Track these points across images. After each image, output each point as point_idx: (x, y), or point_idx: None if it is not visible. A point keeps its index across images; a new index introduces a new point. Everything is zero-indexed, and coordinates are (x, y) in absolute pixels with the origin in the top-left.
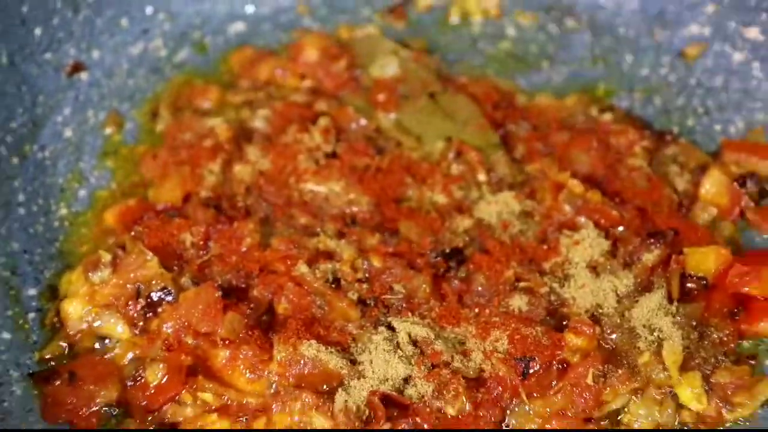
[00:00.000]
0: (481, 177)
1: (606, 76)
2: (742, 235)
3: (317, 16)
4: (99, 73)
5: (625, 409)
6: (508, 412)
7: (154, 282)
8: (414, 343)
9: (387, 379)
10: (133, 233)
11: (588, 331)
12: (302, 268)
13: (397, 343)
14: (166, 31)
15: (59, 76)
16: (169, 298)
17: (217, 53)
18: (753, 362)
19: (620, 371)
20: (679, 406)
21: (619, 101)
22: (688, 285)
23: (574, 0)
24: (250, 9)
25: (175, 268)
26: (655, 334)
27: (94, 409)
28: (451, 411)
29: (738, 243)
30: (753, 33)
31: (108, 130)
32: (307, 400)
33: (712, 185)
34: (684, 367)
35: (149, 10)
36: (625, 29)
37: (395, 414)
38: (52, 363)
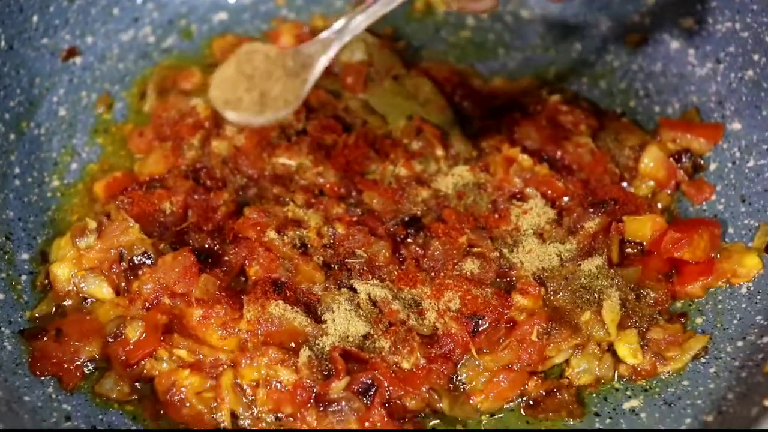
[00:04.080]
0: (439, 152)
1: (556, 61)
2: (677, 206)
3: (293, 7)
4: (92, 58)
5: (567, 363)
6: (459, 366)
7: (135, 247)
8: (373, 303)
9: (348, 336)
10: (117, 203)
11: (534, 292)
12: (272, 234)
13: (358, 303)
14: (154, 19)
15: (55, 60)
16: (149, 262)
17: (201, 40)
18: (684, 320)
19: (563, 329)
20: (617, 361)
21: (568, 85)
22: (627, 250)
23: None
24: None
25: (156, 234)
26: (596, 294)
27: (78, 363)
28: (406, 365)
29: (673, 212)
30: (688, 23)
31: (99, 110)
32: (273, 355)
33: (651, 160)
34: (622, 325)
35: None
36: (574, 20)
37: (355, 368)
38: (42, 321)
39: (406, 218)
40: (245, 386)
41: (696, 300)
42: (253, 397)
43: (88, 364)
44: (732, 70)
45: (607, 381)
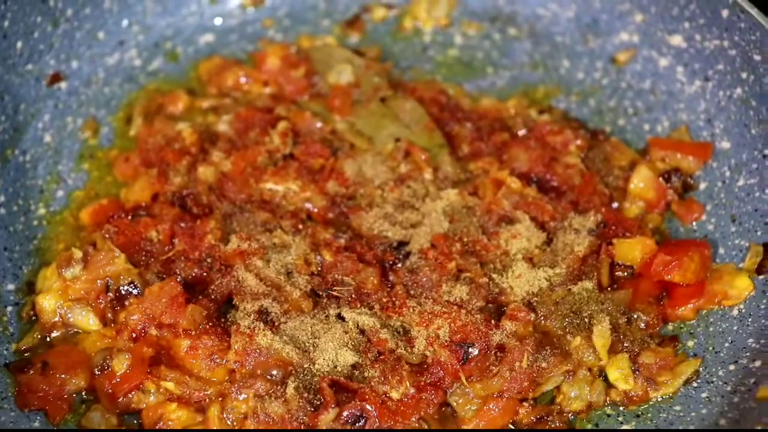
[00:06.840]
0: (428, 175)
1: (545, 79)
2: (667, 226)
3: (281, 28)
4: (77, 82)
5: (558, 390)
6: (449, 394)
7: (121, 277)
8: (362, 332)
9: (336, 366)
10: (103, 232)
11: (523, 318)
12: (259, 263)
13: (346, 332)
14: (140, 42)
15: (40, 86)
16: (135, 292)
17: (187, 62)
18: (675, 343)
19: (553, 355)
20: (608, 386)
21: (557, 103)
22: (617, 273)
23: (515, 11)
24: (218, 21)
25: (142, 263)
26: (586, 319)
27: (65, 396)
28: (395, 395)
29: (664, 233)
30: (677, 40)
31: (85, 135)
32: (261, 386)
33: (640, 180)
34: (612, 350)
35: (125, 23)
36: (562, 37)
37: (344, 398)
38: (28, 353)
39: (395, 243)
40: (233, 418)
41: (687, 323)
42: (242, 430)
43: (75, 396)
44: (721, 88)
45: (599, 407)
